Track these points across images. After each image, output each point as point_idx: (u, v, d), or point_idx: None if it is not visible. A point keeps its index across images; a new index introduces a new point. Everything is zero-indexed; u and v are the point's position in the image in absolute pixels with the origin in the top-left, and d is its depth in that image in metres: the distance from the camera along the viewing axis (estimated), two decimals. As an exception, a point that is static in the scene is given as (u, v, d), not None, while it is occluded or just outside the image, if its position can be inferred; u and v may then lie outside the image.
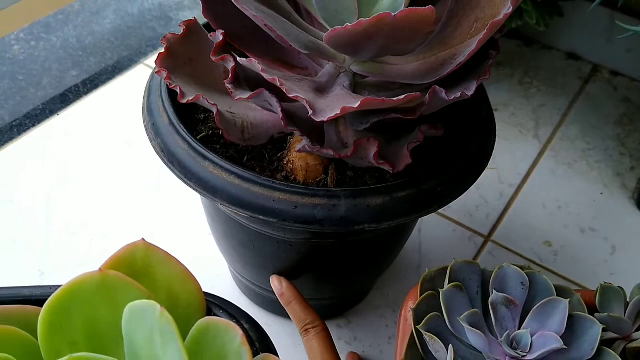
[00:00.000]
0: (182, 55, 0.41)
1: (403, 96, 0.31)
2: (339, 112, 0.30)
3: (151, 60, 0.77)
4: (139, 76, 0.74)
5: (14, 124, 0.67)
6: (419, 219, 0.61)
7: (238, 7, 0.31)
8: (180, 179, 0.39)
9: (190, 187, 0.39)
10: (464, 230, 0.63)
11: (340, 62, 0.39)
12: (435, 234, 0.62)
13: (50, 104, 0.70)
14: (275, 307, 0.53)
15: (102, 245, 0.57)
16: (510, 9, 0.33)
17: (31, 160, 0.63)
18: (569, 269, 0.61)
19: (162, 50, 0.40)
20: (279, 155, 0.43)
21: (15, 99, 0.70)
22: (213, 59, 0.34)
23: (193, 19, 0.41)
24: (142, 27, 0.82)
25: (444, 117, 0.41)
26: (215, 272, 0.56)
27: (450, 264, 0.35)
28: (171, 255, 0.31)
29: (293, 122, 0.33)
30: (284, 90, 0.30)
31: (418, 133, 0.36)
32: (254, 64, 0.32)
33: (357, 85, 0.40)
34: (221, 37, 0.35)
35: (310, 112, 0.30)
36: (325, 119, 0.30)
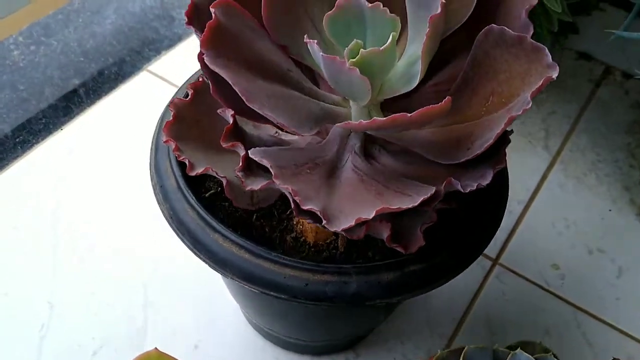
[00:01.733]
0: (189, 119, 0.40)
1: (419, 200, 0.31)
2: (352, 224, 0.29)
3: (154, 67, 0.75)
4: (142, 85, 0.73)
5: (17, 140, 0.66)
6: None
7: (251, 106, 0.30)
8: (190, 248, 0.39)
9: (200, 258, 0.39)
10: (472, 252, 0.63)
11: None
12: (442, 258, 0.62)
13: (54, 117, 0.69)
14: (284, 344, 0.53)
15: (110, 270, 0.57)
16: (530, 104, 0.32)
17: (36, 181, 0.63)
18: (576, 294, 0.61)
19: (170, 115, 0.39)
20: (288, 213, 0.42)
21: (18, 112, 0.69)
22: (223, 145, 0.33)
23: (200, 80, 0.40)
24: (144, 27, 0.80)
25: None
26: (227, 307, 0.56)
27: (464, 349, 0.35)
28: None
29: (304, 212, 0.33)
30: (298, 202, 0.29)
31: (432, 213, 0.36)
32: (265, 162, 0.31)
33: (367, 148, 0.39)
34: (231, 120, 0.34)
35: (324, 221, 0.30)
36: (339, 230, 0.29)
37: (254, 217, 0.42)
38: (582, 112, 0.77)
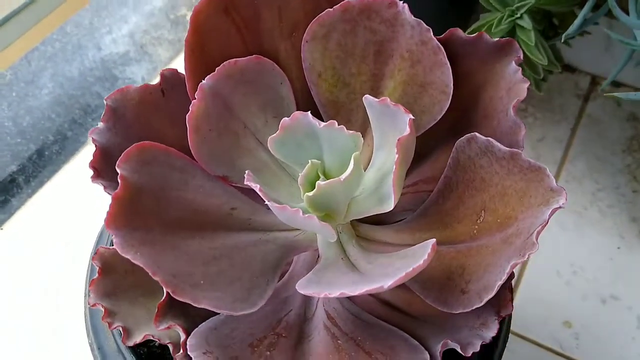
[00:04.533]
0: (121, 267, 0.32)
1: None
2: None
3: (100, 139, 0.67)
4: (88, 162, 0.65)
5: (-50, 250, 0.59)
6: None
7: (180, 299, 0.23)
8: None
9: None
10: (473, 319, 0.56)
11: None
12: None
13: (-9, 214, 0.61)
14: None
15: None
16: (536, 247, 0.25)
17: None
18: (593, 355, 0.55)
19: (95, 271, 0.32)
20: (257, 351, 0.35)
21: (-51, 215, 0.61)
22: (157, 328, 0.26)
23: (129, 218, 0.33)
24: (85, 93, 0.72)
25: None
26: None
27: None
28: None
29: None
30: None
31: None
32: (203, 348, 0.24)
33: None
34: (164, 294, 0.26)
35: None
36: None
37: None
38: (573, 134, 0.71)
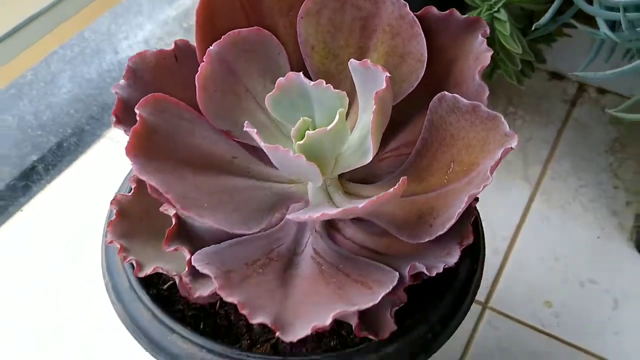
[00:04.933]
0: (136, 212, 0.37)
1: (379, 297, 0.28)
2: (309, 332, 0.27)
3: (115, 132, 0.72)
4: (104, 153, 0.70)
5: (-25, 228, 0.63)
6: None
7: (183, 210, 0.28)
8: (149, 352, 0.36)
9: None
10: (460, 299, 0.60)
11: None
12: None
13: (12, 198, 0.66)
14: None
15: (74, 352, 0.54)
16: (490, 180, 0.29)
17: (-3, 270, 0.60)
18: (573, 332, 0.58)
19: (112, 213, 0.36)
20: (254, 298, 0.39)
21: (-26, 197, 0.66)
22: (166, 250, 0.31)
23: (144, 171, 0.37)
24: (102, 92, 0.77)
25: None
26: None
27: None
28: None
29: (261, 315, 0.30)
30: (247, 316, 0.27)
31: (400, 293, 0.33)
32: (207, 271, 0.28)
33: (332, 220, 0.37)
34: (174, 220, 0.31)
35: (278, 332, 0.27)
36: (295, 340, 0.27)
37: (217, 305, 0.39)
38: (559, 136, 0.75)
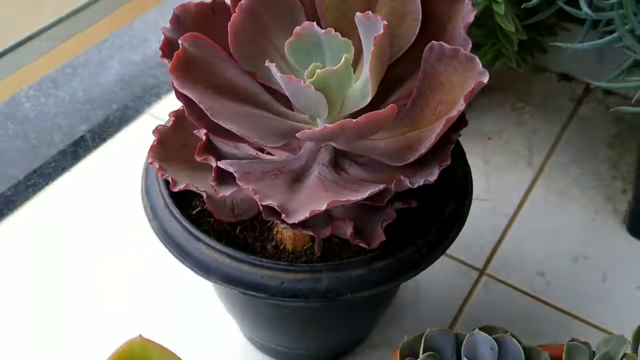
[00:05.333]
0: (174, 143, 0.44)
1: (367, 194, 0.34)
2: (307, 215, 0.33)
3: (155, 110, 0.80)
4: (144, 126, 0.78)
5: (28, 183, 0.71)
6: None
7: (215, 121, 0.35)
8: (177, 259, 0.43)
9: (187, 266, 0.42)
10: (460, 265, 0.66)
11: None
12: (430, 272, 0.64)
13: (62, 161, 0.74)
14: (281, 356, 0.56)
15: (120, 300, 0.61)
16: (464, 106, 0.35)
17: (46, 220, 0.67)
18: (562, 299, 0.63)
19: (154, 139, 0.43)
20: (268, 224, 0.46)
21: (29, 158, 0.74)
22: (197, 159, 0.37)
23: (181, 108, 0.44)
24: (145, 75, 0.85)
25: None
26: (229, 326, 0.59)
27: (425, 332, 0.38)
28: (166, 349, 0.34)
29: (273, 213, 0.36)
30: (257, 199, 0.33)
31: (390, 210, 0.39)
32: (230, 168, 0.35)
33: (338, 157, 0.43)
34: (204, 137, 0.38)
35: (283, 215, 0.33)
36: (296, 222, 0.33)
37: (237, 229, 0.46)
38: (564, 129, 0.81)
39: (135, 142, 0.77)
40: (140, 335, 0.34)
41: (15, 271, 0.63)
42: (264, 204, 0.33)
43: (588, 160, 0.77)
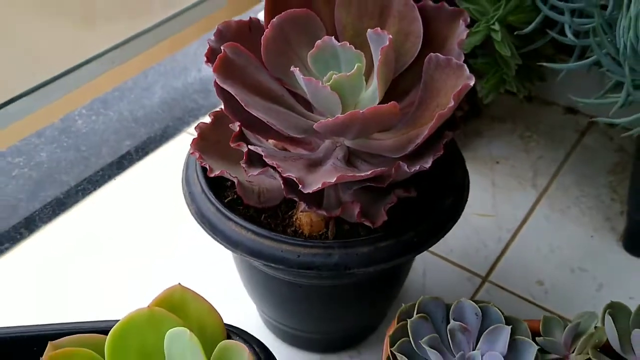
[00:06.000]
0: (212, 139, 0.52)
1: (370, 171, 0.41)
2: (320, 186, 0.40)
3: (192, 129, 0.89)
4: (183, 143, 0.86)
5: (79, 189, 0.79)
6: (424, 264, 0.71)
7: (248, 110, 0.42)
8: (210, 235, 0.50)
9: (218, 242, 0.49)
10: (464, 271, 0.72)
11: (337, 139, 0.50)
12: (437, 276, 0.71)
13: (109, 170, 0.82)
14: (294, 340, 0.62)
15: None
16: (453, 103, 0.43)
17: (92, 222, 0.75)
18: (559, 305, 0.69)
19: (195, 135, 0.51)
20: (289, 213, 0.53)
21: (80, 167, 0.82)
22: (231, 145, 0.45)
23: (220, 109, 0.52)
24: (185, 99, 0.95)
25: (425, 179, 0.51)
26: (248, 313, 0.66)
27: (419, 299, 0.44)
28: (200, 295, 0.41)
29: (292, 191, 0.44)
30: (279, 171, 0.41)
31: (392, 196, 0.46)
32: (258, 150, 0.43)
33: (351, 156, 0.50)
34: (237, 128, 0.45)
35: (300, 186, 0.41)
36: (310, 191, 0.40)
37: (262, 216, 0.53)
38: (568, 156, 0.87)
39: (173, 156, 0.85)
40: (179, 283, 0.41)
41: (65, 261, 0.71)
42: (285, 175, 0.41)
43: (589, 184, 0.83)
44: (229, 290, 0.67)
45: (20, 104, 0.79)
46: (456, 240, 0.74)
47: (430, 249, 0.72)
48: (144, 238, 0.74)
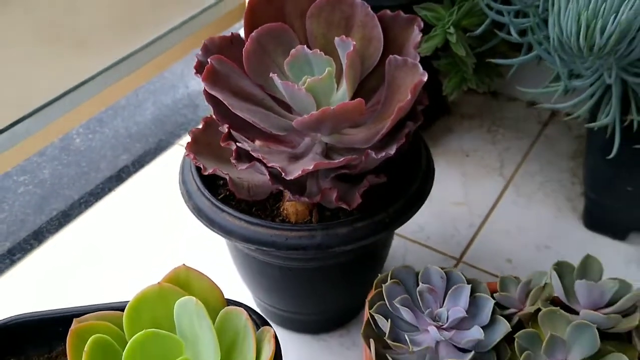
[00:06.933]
0: (204, 141, 0.58)
1: (343, 159, 0.48)
2: (300, 173, 0.47)
3: (184, 141, 0.95)
4: (175, 154, 0.93)
5: (81, 201, 0.86)
6: (405, 250, 0.77)
7: (234, 112, 0.49)
8: (207, 226, 0.57)
9: (214, 231, 0.56)
10: (440, 255, 0.79)
11: (314, 136, 0.56)
12: (416, 260, 0.78)
13: (108, 183, 0.89)
14: (288, 323, 0.69)
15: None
16: (409, 97, 0.49)
17: (95, 230, 0.82)
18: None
19: (189, 139, 0.58)
20: (277, 205, 0.60)
21: (81, 182, 0.89)
22: (222, 144, 0.52)
23: (210, 116, 0.59)
24: (175, 114, 1.01)
25: (394, 167, 0.58)
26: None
27: (392, 269, 0.51)
28: (203, 273, 0.47)
29: (277, 181, 0.50)
30: (264, 162, 0.47)
31: (365, 181, 0.53)
32: (245, 146, 0.49)
33: (329, 151, 0.57)
34: (226, 129, 0.52)
35: (283, 174, 0.47)
36: (292, 178, 0.47)
37: (253, 209, 0.59)
38: (532, 146, 0.94)
39: (168, 167, 0.91)
40: (184, 264, 0.47)
41: (70, 268, 0.77)
42: (269, 165, 0.47)
43: (552, 170, 0.90)
44: (226, 290, 0.73)
45: (22, 126, 0.85)
46: (432, 227, 0.81)
47: (409, 236, 0.80)
48: (142, 245, 0.80)
